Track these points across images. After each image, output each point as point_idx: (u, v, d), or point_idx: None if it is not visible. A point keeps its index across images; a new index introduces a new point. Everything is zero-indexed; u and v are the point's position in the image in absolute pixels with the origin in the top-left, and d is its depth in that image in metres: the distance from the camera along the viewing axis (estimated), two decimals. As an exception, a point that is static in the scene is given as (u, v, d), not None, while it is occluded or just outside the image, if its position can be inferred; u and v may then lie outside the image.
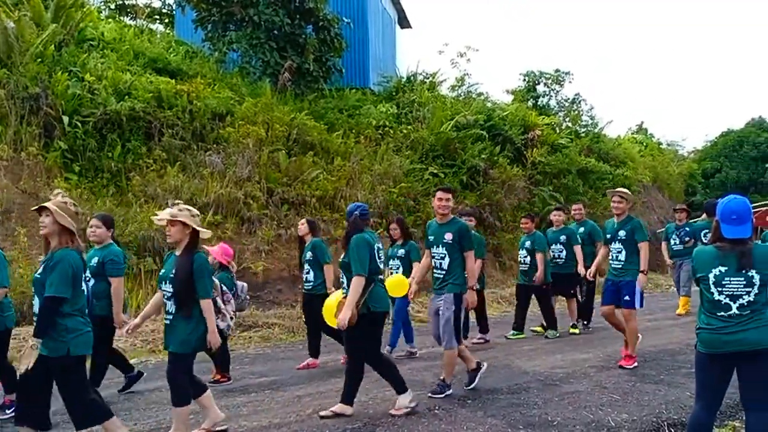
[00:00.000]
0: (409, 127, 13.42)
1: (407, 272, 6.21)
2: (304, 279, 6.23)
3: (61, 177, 8.90)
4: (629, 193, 5.82)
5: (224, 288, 4.22)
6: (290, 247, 9.46)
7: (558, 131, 17.58)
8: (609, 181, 17.31)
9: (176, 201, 4.29)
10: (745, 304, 2.98)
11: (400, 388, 4.38)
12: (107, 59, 11.09)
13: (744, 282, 2.99)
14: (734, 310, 2.99)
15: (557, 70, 20.17)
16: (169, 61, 12.20)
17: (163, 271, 3.94)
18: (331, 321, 4.53)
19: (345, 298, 4.27)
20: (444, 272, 4.85)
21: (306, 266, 6.15)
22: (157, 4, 20.38)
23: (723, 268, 3.03)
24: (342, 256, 4.45)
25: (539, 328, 7.89)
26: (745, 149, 29.40)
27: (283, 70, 12.54)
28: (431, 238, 4.95)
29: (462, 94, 16.83)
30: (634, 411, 4.30)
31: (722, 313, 3.00)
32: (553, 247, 7.85)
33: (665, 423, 4.05)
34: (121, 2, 18.95)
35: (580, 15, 70.52)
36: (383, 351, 5.91)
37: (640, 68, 69.38)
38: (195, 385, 3.91)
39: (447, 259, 4.83)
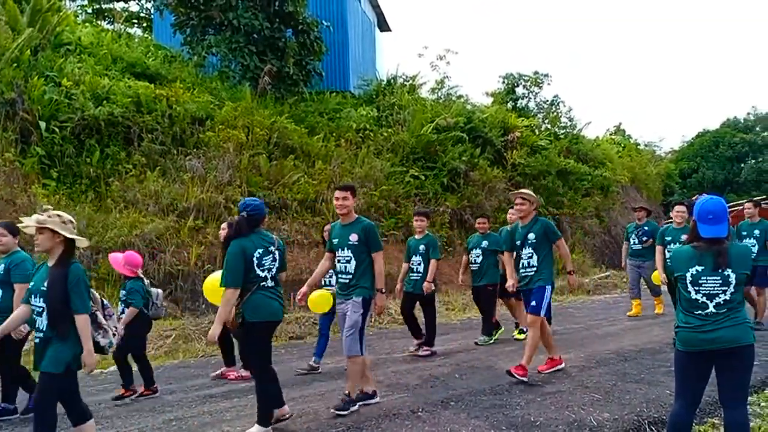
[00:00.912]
0: (390, 130, 13.51)
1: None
2: None
3: (38, 183, 8.82)
4: (532, 194, 5.47)
5: (105, 302, 3.88)
6: (271, 250, 9.48)
7: (537, 133, 17.82)
8: (588, 182, 17.62)
9: (46, 206, 3.93)
10: (722, 302, 3.01)
11: (263, 419, 3.96)
12: (85, 64, 11.00)
13: (720, 281, 3.02)
14: (711, 309, 3.02)
15: (536, 73, 20.47)
16: (147, 65, 12.15)
17: (32, 283, 3.51)
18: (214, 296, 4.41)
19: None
20: (350, 276, 4.54)
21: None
22: (135, 9, 20.29)
23: (700, 268, 3.06)
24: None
25: (519, 335, 7.46)
26: (720, 149, 30.12)
27: (263, 73, 12.55)
28: (335, 241, 4.63)
29: (442, 96, 16.97)
30: (615, 410, 4.33)
31: (699, 312, 3.04)
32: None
33: (646, 421, 4.09)
34: (98, 6, 18.79)
35: (558, 18, 71.47)
36: (309, 363, 5.88)
37: (618, 70, 70.55)
38: (79, 412, 3.47)
39: (353, 262, 4.52)
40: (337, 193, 4.60)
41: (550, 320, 7.00)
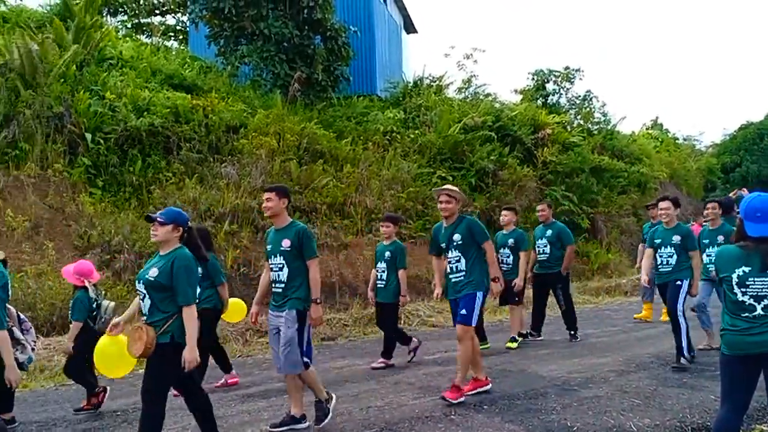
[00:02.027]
0: (417, 131, 13.66)
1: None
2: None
3: (85, 192, 9.37)
4: (459, 190, 4.99)
5: (21, 316, 3.73)
6: (302, 253, 9.80)
7: (569, 129, 17.56)
8: (624, 179, 17.29)
9: None
10: None
11: None
12: (126, 77, 11.57)
13: None
14: (759, 311, 2.90)
15: (567, 68, 20.14)
16: (184, 76, 12.67)
17: None
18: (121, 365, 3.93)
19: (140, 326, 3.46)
20: (283, 285, 4.17)
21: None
22: (171, 22, 21.08)
23: (747, 268, 2.94)
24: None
25: (512, 344, 7.12)
26: (766, 142, 28.86)
27: (293, 81, 12.93)
28: (268, 247, 4.28)
29: (469, 96, 16.96)
30: (656, 416, 4.18)
31: (747, 315, 2.92)
32: (501, 251, 7.03)
33: (689, 427, 3.95)
34: (137, 21, 19.65)
35: (588, 10, 69.82)
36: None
37: (654, 62, 68.37)
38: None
39: (286, 270, 4.16)
40: (265, 194, 4.26)
41: (483, 337, 6.62)
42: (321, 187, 10.93)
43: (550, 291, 7.41)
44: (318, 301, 4.21)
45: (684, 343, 5.65)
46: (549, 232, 7.29)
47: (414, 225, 11.46)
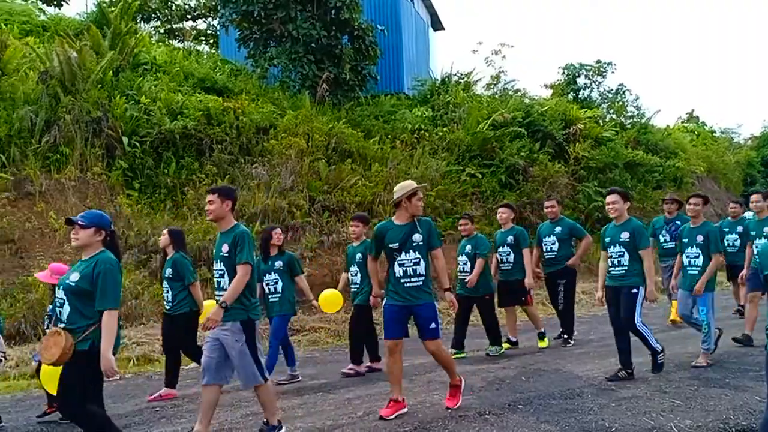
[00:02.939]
0: (445, 128, 13.59)
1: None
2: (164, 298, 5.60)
3: (123, 194, 9.67)
4: (405, 183, 4.58)
5: None
6: (332, 252, 9.90)
7: (602, 124, 17.25)
8: (659, 174, 16.87)
9: None
10: None
11: None
12: (160, 81, 11.87)
13: None
14: None
15: (598, 61, 19.82)
16: (216, 80, 12.92)
17: None
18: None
19: None
20: (224, 293, 3.89)
21: (165, 284, 5.51)
22: (202, 26, 21.55)
23: None
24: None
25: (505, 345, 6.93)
26: (808, 133, 27.72)
27: (321, 81, 13.04)
28: (215, 251, 4.03)
29: (498, 92, 16.79)
30: (698, 417, 4.06)
31: None
32: (501, 249, 6.78)
33: (733, 429, 3.85)
34: (169, 27, 20.15)
35: (619, 1, 68.15)
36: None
37: (689, 54, 66.31)
38: None
39: (227, 277, 3.91)
40: (208, 197, 4.02)
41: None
42: (349, 186, 11.00)
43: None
44: (223, 305, 3.80)
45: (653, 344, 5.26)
46: (558, 229, 7.04)
47: (443, 223, 11.41)
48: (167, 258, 5.58)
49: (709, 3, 73.00)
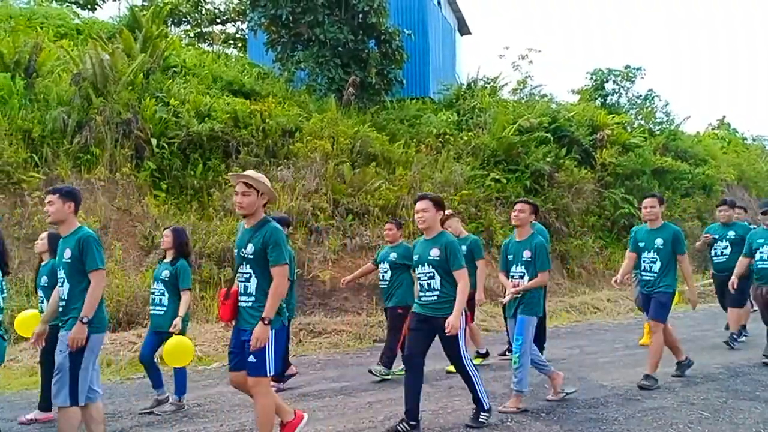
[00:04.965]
0: (470, 133, 13.53)
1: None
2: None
3: (150, 194, 9.83)
4: (261, 180, 3.85)
5: None
6: (355, 255, 9.90)
7: (630, 130, 17.00)
8: (688, 181, 16.53)
9: None
10: None
11: None
12: (189, 84, 12.05)
13: None
14: None
15: (627, 67, 19.59)
16: (243, 83, 13.06)
17: None
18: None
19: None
20: (64, 302, 3.74)
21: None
22: (231, 30, 21.85)
23: None
24: None
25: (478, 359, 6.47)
26: None
27: (348, 85, 13.10)
28: (57, 257, 3.89)
29: (524, 97, 16.67)
30: (727, 429, 4.03)
31: None
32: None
33: None
34: (199, 30, 20.51)
35: (649, 6, 66.96)
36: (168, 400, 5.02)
37: (720, 60, 64.76)
38: None
39: (67, 285, 3.72)
40: (46, 198, 3.77)
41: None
42: (374, 190, 11.00)
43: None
44: (85, 320, 3.53)
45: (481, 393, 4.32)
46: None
47: (467, 228, 11.31)
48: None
49: (742, 6, 71.26)
